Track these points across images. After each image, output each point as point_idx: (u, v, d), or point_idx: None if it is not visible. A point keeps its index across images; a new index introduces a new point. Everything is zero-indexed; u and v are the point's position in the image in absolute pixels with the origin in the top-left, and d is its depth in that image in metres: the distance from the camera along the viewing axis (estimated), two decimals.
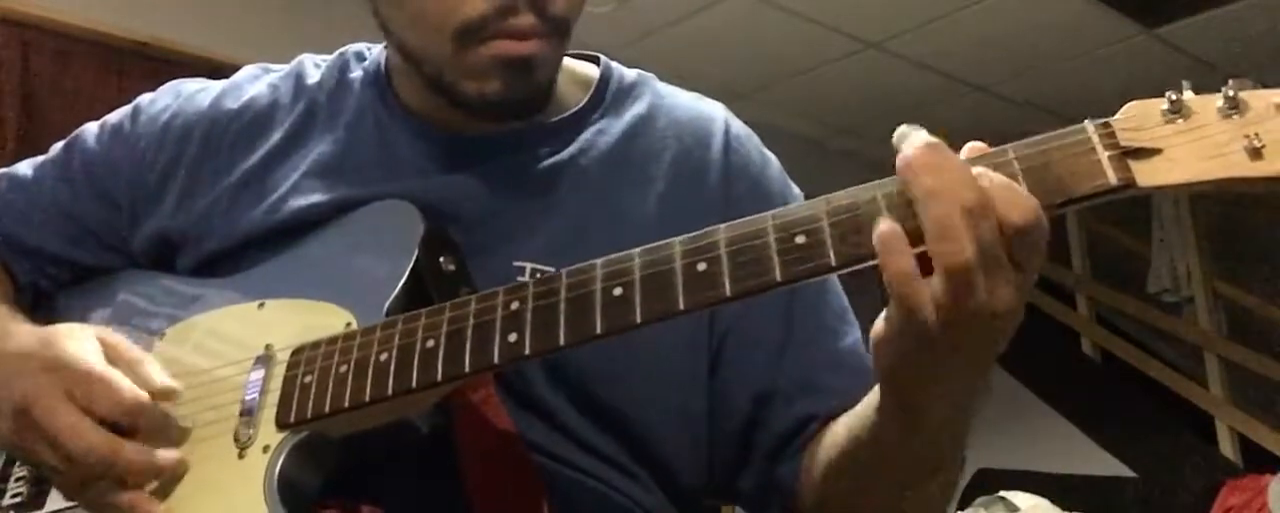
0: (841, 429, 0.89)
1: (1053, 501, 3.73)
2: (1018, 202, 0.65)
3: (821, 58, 4.34)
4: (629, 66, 1.10)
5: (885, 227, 0.67)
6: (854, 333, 1.02)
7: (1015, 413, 4.98)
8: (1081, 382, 4.99)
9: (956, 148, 0.69)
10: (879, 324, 0.71)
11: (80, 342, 0.90)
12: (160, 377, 0.91)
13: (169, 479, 0.88)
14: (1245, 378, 4.60)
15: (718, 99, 1.10)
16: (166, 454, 0.88)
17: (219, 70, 1.17)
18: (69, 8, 3.18)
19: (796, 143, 4.88)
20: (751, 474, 0.97)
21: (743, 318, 0.97)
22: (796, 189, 1.06)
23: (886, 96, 4.66)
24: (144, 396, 0.88)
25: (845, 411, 0.90)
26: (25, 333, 0.95)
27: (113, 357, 0.91)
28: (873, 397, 0.81)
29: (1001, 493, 3.80)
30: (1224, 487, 3.99)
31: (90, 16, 3.22)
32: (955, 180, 0.65)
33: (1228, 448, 4.46)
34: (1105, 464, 4.59)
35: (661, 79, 1.11)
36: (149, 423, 0.89)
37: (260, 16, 3.54)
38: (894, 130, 0.71)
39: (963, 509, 4.07)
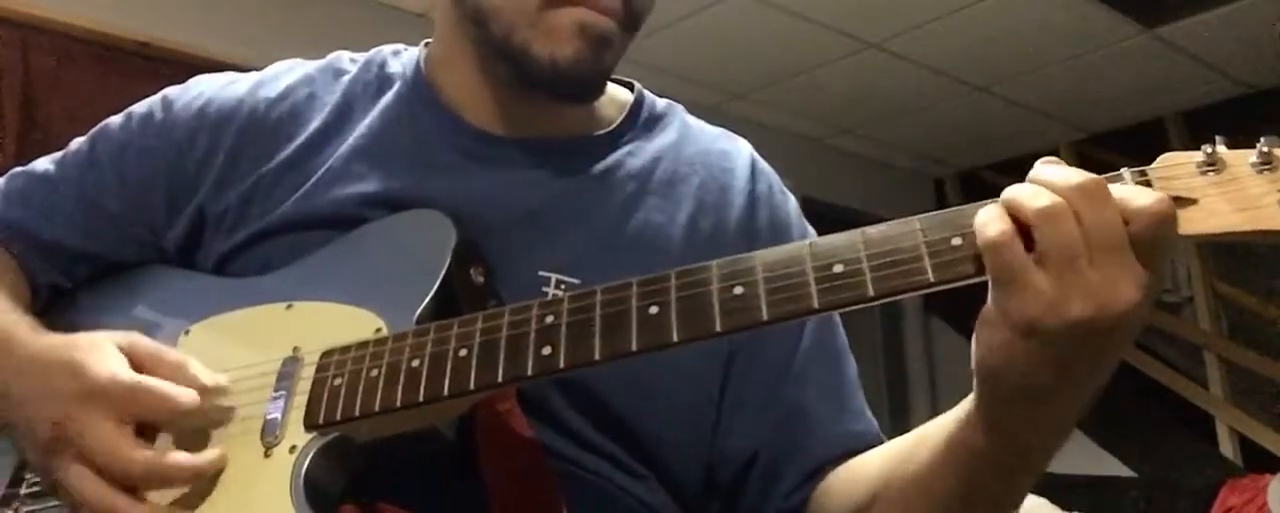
0: (876, 468, 0.91)
1: (1053, 501, 3.73)
2: (1140, 193, 0.66)
3: (821, 58, 4.32)
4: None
5: (986, 211, 0.67)
6: (853, 365, 1.06)
7: None
8: None
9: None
10: (982, 335, 0.70)
11: (105, 358, 0.89)
12: (205, 375, 0.90)
13: (198, 479, 0.87)
14: (1245, 378, 4.60)
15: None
16: (206, 455, 0.87)
17: (219, 71, 1.16)
18: (69, 8, 3.17)
19: (796, 142, 4.87)
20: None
21: (754, 335, 0.98)
22: (812, 230, 1.08)
23: (886, 96, 4.65)
24: (195, 395, 0.88)
25: (852, 454, 0.95)
26: (49, 358, 0.92)
27: (147, 364, 0.90)
28: (935, 430, 0.81)
29: None
30: (1224, 487, 3.99)
31: (90, 16, 3.21)
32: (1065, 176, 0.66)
33: (1228, 448, 4.46)
34: (1105, 464, 4.59)
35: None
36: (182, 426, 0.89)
37: (260, 16, 3.52)
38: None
39: None
